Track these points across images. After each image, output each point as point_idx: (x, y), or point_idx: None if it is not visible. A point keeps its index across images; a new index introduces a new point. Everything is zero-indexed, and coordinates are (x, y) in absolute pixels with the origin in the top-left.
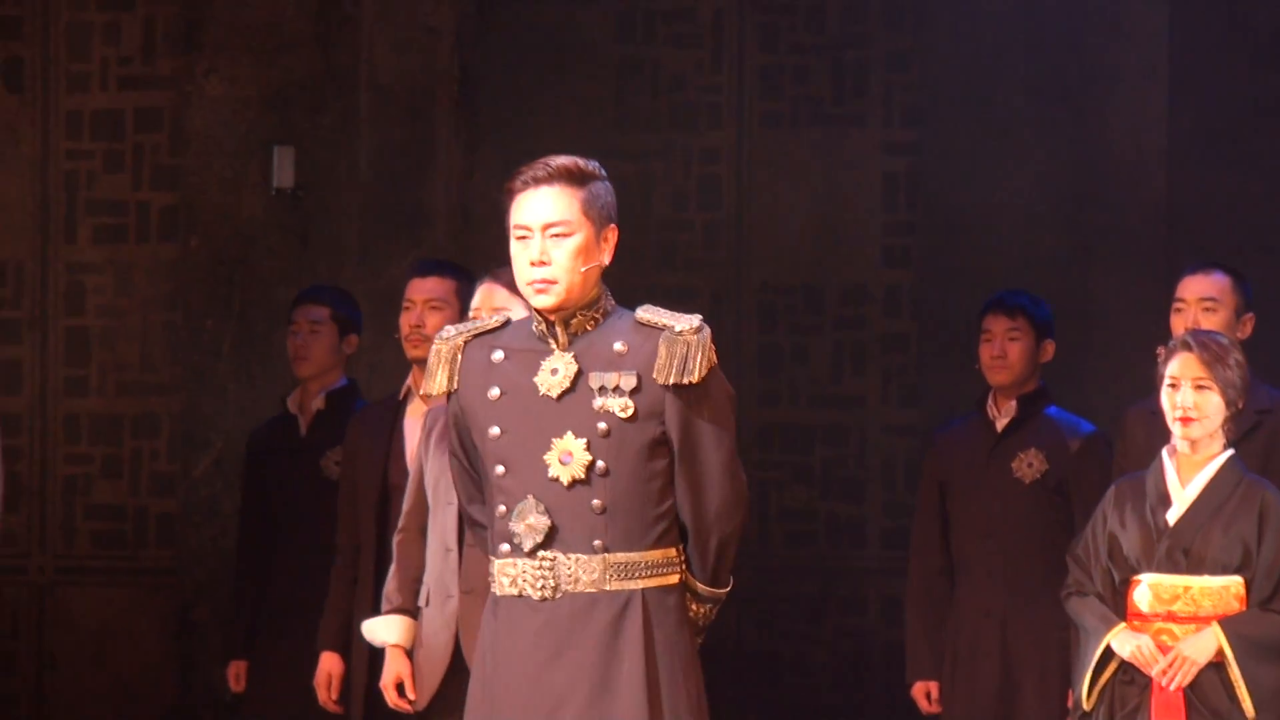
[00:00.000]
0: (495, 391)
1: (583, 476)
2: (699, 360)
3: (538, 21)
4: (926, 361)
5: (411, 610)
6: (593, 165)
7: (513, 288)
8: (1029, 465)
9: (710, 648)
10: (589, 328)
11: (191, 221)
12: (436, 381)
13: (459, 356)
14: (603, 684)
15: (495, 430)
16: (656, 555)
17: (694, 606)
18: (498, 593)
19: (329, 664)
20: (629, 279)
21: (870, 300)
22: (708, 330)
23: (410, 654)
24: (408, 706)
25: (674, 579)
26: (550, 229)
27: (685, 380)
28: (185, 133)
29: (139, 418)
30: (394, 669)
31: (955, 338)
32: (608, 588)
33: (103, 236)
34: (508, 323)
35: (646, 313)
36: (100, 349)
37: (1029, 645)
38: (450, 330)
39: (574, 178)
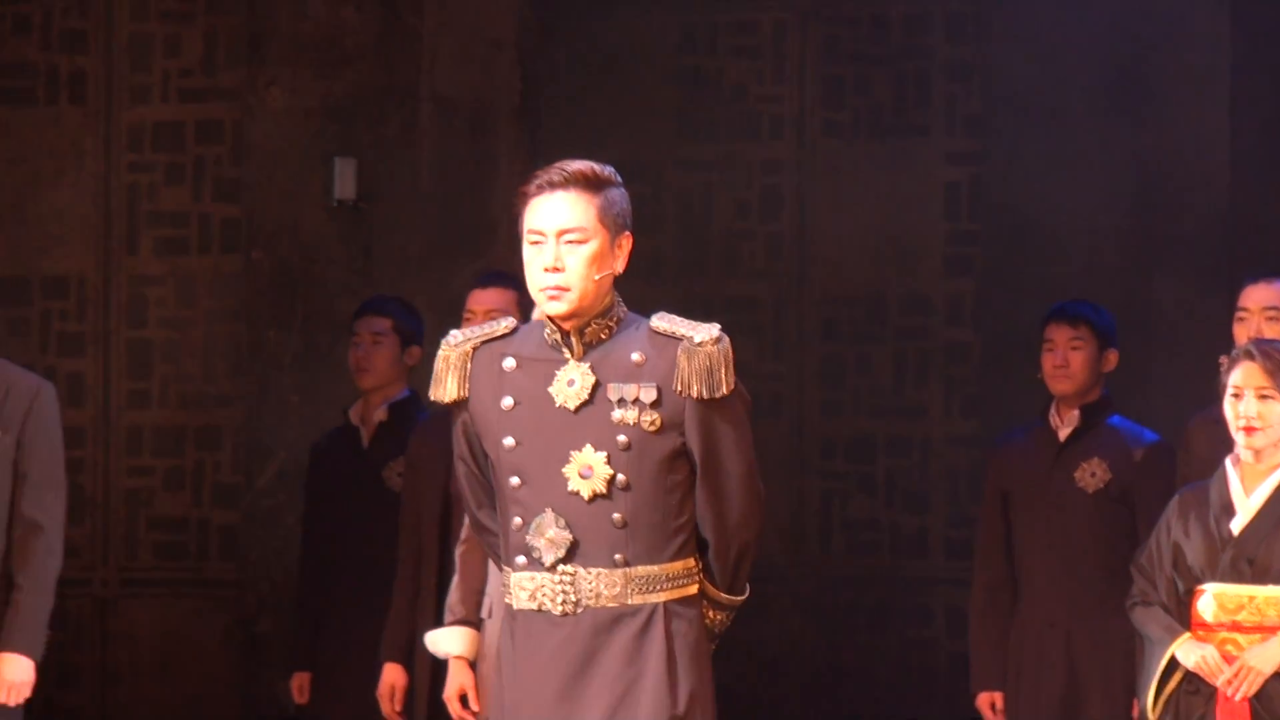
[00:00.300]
0: (509, 401)
1: (604, 490)
2: (723, 374)
3: (600, 33)
4: (989, 371)
5: (474, 622)
6: (608, 171)
7: None
8: (1092, 475)
9: (775, 658)
10: (603, 337)
11: (253, 233)
12: (446, 388)
13: (468, 364)
14: (626, 698)
15: (510, 441)
16: (677, 567)
17: (711, 614)
18: (515, 606)
19: (392, 675)
20: (692, 289)
21: (933, 310)
22: (727, 340)
23: (473, 665)
24: (471, 718)
25: (693, 589)
26: (565, 235)
27: (715, 395)
28: (247, 145)
29: (201, 430)
30: (457, 680)
31: (1018, 347)
32: (630, 602)
33: (165, 249)
34: (516, 329)
35: (662, 321)
36: (163, 361)
37: (1093, 656)
38: (458, 336)
39: (590, 183)
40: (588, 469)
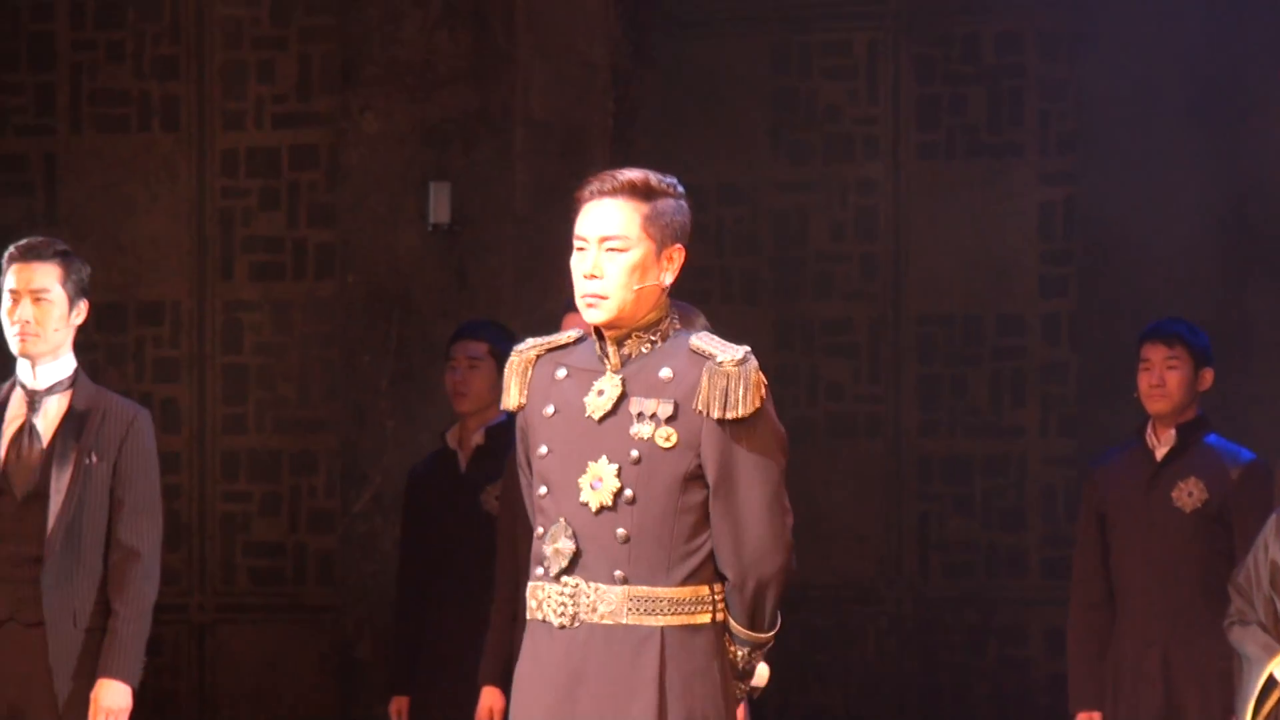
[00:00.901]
0: (550, 409)
1: (609, 503)
2: (742, 394)
3: (693, 55)
4: (1085, 391)
5: None
6: (668, 182)
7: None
8: (1189, 494)
9: (871, 679)
10: (644, 350)
11: (348, 258)
12: (510, 395)
13: (530, 371)
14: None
15: (544, 449)
16: (683, 593)
17: (731, 649)
18: (528, 616)
19: (490, 699)
20: (788, 311)
21: (1028, 330)
22: (753, 362)
23: None
24: None
25: (703, 618)
26: (606, 242)
27: (729, 415)
28: (341, 169)
29: (297, 454)
30: (486, 703)
31: (1114, 367)
32: (625, 621)
33: (259, 274)
34: (581, 339)
35: (700, 340)
36: (258, 386)
37: (1191, 675)
38: (528, 342)
39: (640, 192)
40: (598, 480)
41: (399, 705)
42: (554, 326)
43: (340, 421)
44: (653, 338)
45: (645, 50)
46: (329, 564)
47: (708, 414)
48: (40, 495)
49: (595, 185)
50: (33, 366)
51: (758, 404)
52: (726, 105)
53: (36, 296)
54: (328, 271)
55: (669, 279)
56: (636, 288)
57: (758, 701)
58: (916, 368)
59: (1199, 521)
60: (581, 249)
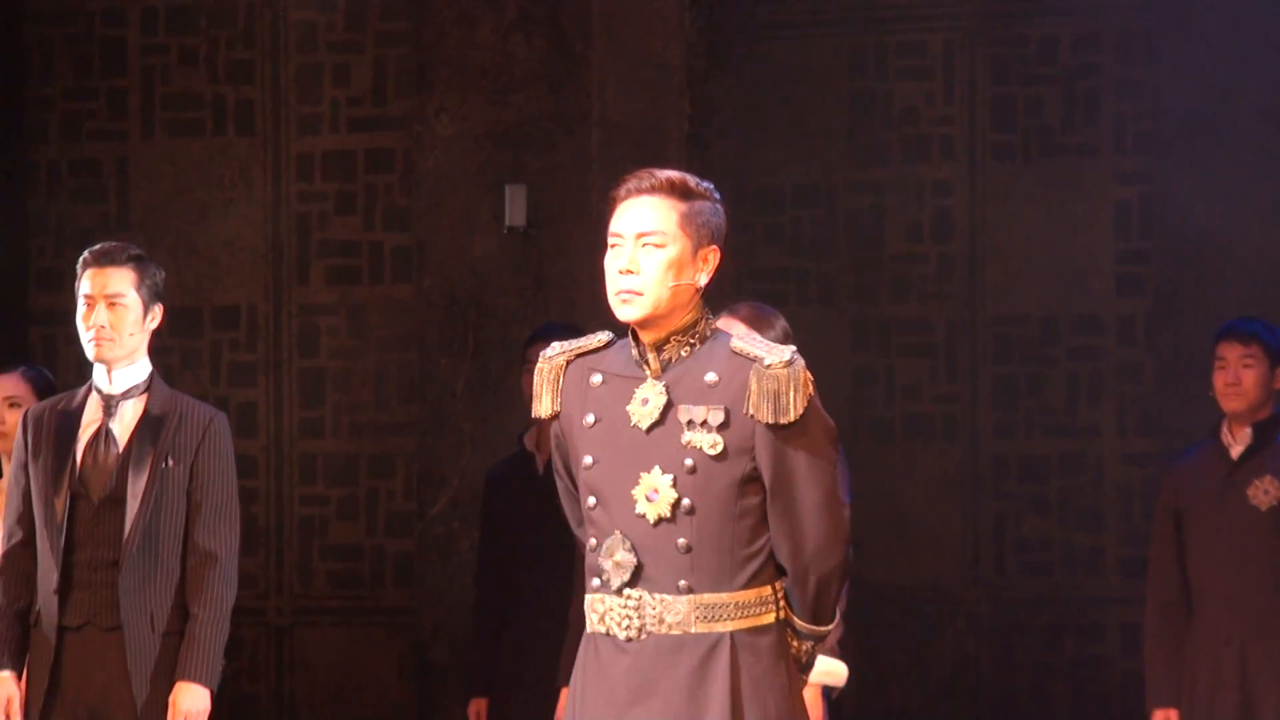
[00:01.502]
0: (590, 418)
1: (668, 515)
2: (793, 397)
3: (768, 56)
4: (1162, 390)
5: None
6: (705, 186)
7: (751, 322)
8: (1265, 492)
9: (949, 679)
10: (683, 354)
11: (424, 261)
12: (543, 405)
13: (561, 378)
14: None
15: (589, 459)
16: (749, 595)
17: (795, 643)
18: (588, 629)
19: None
20: (864, 312)
21: (1104, 330)
22: (800, 362)
23: None
24: None
25: (768, 618)
26: (643, 238)
27: (781, 420)
28: (417, 173)
29: (374, 458)
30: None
31: (1190, 365)
32: (693, 630)
33: (335, 277)
34: (611, 342)
35: (742, 342)
36: (335, 390)
37: (1268, 672)
38: (555, 348)
39: (678, 191)
40: (654, 492)
41: (478, 707)
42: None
43: (417, 425)
44: (691, 341)
45: (720, 51)
46: (406, 567)
47: (759, 418)
48: (117, 500)
49: (633, 183)
50: (108, 371)
51: (806, 404)
52: (802, 106)
53: (111, 301)
54: (404, 275)
55: (704, 279)
56: (672, 285)
57: (837, 701)
58: (993, 368)
59: (1275, 519)
60: (616, 245)
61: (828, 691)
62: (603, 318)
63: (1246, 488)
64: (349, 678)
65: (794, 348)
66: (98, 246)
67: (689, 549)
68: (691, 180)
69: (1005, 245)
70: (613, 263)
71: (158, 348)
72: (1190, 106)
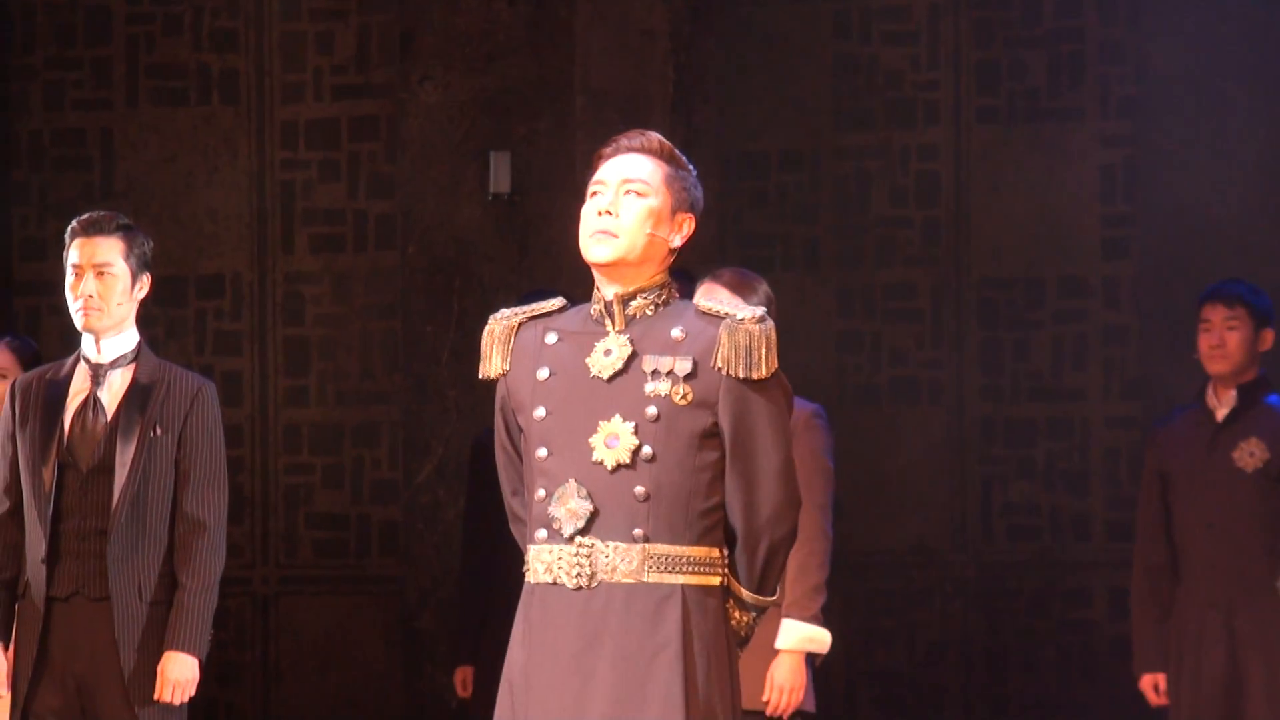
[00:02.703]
0: (545, 373)
1: (628, 461)
2: (764, 354)
3: (752, 22)
4: (1148, 353)
5: None
6: (687, 160)
7: (735, 287)
8: (1250, 454)
9: (936, 643)
10: (648, 313)
11: (409, 229)
12: (491, 364)
13: (512, 338)
14: (637, 679)
15: (541, 411)
16: (699, 552)
17: (736, 614)
18: (531, 580)
19: None
20: (849, 276)
21: (1090, 293)
22: (770, 322)
23: None
24: None
25: (715, 580)
26: (628, 184)
27: (752, 375)
28: (401, 140)
29: (359, 426)
30: None
31: (1176, 328)
32: (646, 579)
33: (320, 246)
34: (566, 307)
35: (709, 301)
36: (320, 358)
37: (1254, 635)
38: (505, 312)
39: (665, 154)
40: (614, 438)
41: (464, 675)
42: None
43: (402, 393)
44: (658, 301)
45: (705, 17)
46: (392, 535)
47: (727, 371)
48: (105, 469)
49: (623, 141)
50: (96, 341)
51: (775, 364)
52: (787, 71)
53: (100, 271)
54: (388, 243)
55: (677, 241)
56: (649, 232)
57: (822, 666)
58: (979, 332)
59: (1261, 481)
60: (598, 192)
61: (811, 658)
62: (589, 285)
63: (1232, 450)
64: (335, 646)
65: (764, 308)
66: (86, 216)
67: (647, 497)
68: (676, 150)
69: (990, 209)
70: (592, 206)
71: (143, 317)
72: (1175, 69)
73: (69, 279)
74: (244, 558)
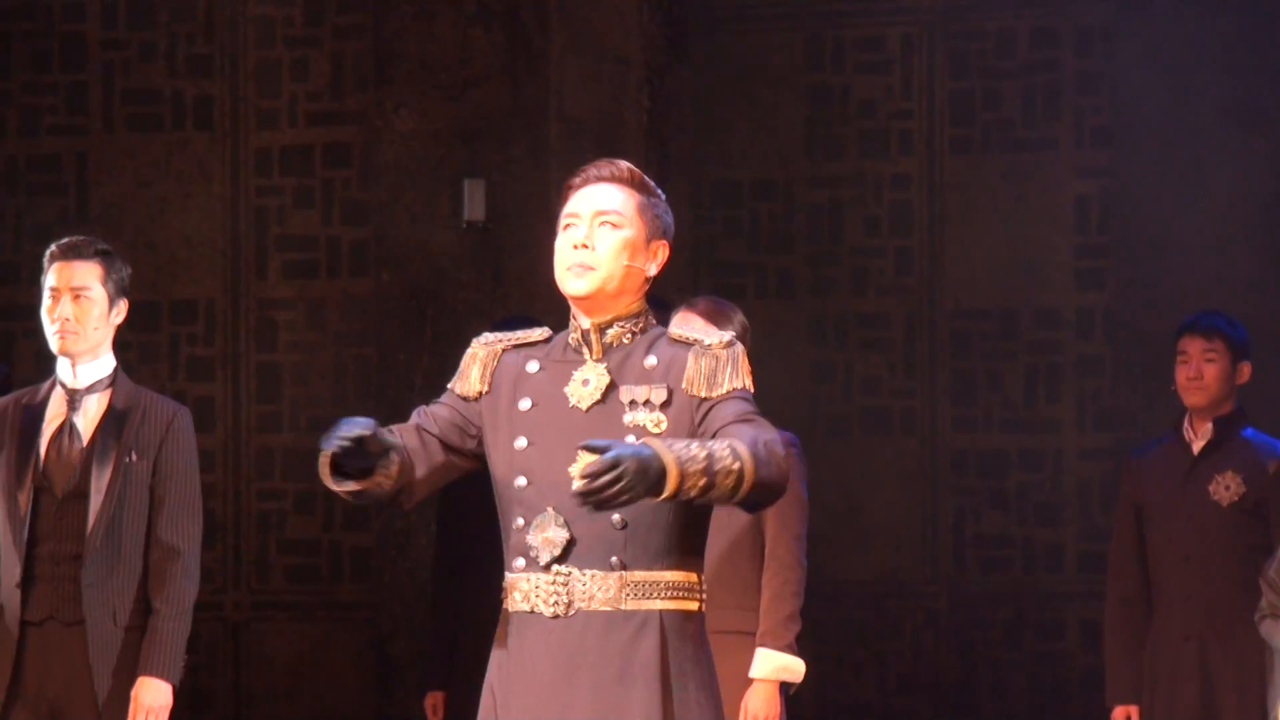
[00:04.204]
0: (527, 403)
1: None
2: (728, 373)
3: (727, 50)
4: (1121, 384)
5: None
6: (657, 187)
7: (710, 316)
8: (1226, 488)
9: (908, 673)
10: (625, 341)
11: (382, 256)
12: (469, 382)
13: (495, 362)
14: (615, 707)
15: (523, 442)
16: (678, 577)
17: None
18: (509, 608)
19: None
20: (822, 305)
21: (1064, 324)
22: (740, 347)
23: None
24: None
25: (693, 605)
26: (601, 216)
27: (714, 394)
28: (375, 167)
29: None
30: None
31: (1150, 360)
32: (624, 607)
33: (294, 272)
34: (551, 338)
35: (679, 329)
36: (292, 384)
37: (1229, 668)
38: (490, 337)
39: (636, 182)
40: None
41: (434, 700)
42: None
43: (375, 419)
44: (635, 329)
45: (679, 46)
46: (364, 561)
47: (692, 393)
48: (80, 494)
49: (592, 171)
50: (72, 365)
51: (741, 383)
52: (761, 101)
53: (77, 294)
54: (362, 270)
55: (653, 270)
56: (626, 263)
57: (794, 696)
58: (951, 362)
59: (1236, 515)
60: (572, 225)
61: (785, 688)
62: (563, 312)
63: (1208, 483)
64: (307, 672)
65: (733, 333)
66: (65, 240)
67: (624, 525)
68: (647, 178)
69: (964, 239)
70: (566, 239)
71: (116, 342)
72: (1149, 101)
73: (46, 302)
74: (215, 583)
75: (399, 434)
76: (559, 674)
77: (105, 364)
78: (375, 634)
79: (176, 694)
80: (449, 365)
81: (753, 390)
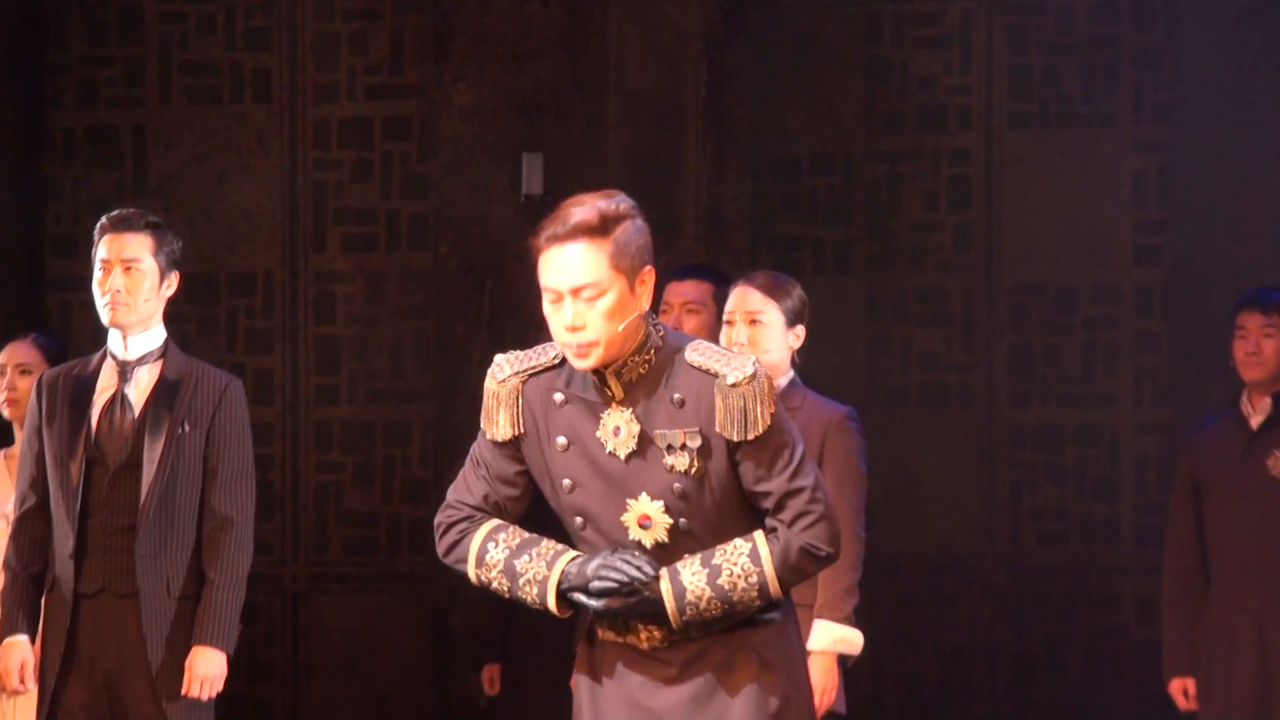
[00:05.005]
0: (562, 441)
1: (666, 539)
2: (759, 412)
3: (786, 24)
4: (1179, 360)
5: None
6: (618, 206)
7: (768, 290)
8: None
9: (964, 646)
10: (642, 372)
11: (441, 229)
12: (499, 427)
13: (519, 398)
14: (713, 703)
15: (568, 483)
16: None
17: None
18: (600, 638)
19: None
20: (881, 280)
21: (1122, 299)
22: (763, 374)
23: None
24: None
25: (777, 614)
26: (580, 291)
27: (750, 436)
28: (434, 141)
29: (391, 425)
30: None
31: (1208, 335)
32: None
33: (352, 245)
34: (562, 359)
35: (697, 355)
36: (350, 358)
37: None
38: (505, 369)
39: (597, 230)
40: (646, 519)
41: (491, 673)
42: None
43: (433, 392)
44: (647, 357)
45: (738, 19)
46: (422, 534)
47: (726, 435)
48: (133, 465)
49: (550, 231)
50: (124, 337)
51: (771, 416)
52: (820, 75)
53: (128, 266)
54: (421, 243)
55: (646, 302)
56: (620, 327)
57: (852, 668)
58: (1009, 337)
59: None
60: (555, 301)
61: (843, 660)
62: None
63: (1266, 458)
64: (365, 644)
65: (754, 357)
66: (116, 213)
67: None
68: (606, 207)
69: (1022, 214)
70: (556, 319)
71: (174, 314)
72: (1208, 76)
73: (97, 274)
74: (274, 555)
75: (502, 504)
76: (657, 685)
77: (156, 336)
78: (433, 606)
79: (232, 665)
80: (506, 338)
81: (778, 406)
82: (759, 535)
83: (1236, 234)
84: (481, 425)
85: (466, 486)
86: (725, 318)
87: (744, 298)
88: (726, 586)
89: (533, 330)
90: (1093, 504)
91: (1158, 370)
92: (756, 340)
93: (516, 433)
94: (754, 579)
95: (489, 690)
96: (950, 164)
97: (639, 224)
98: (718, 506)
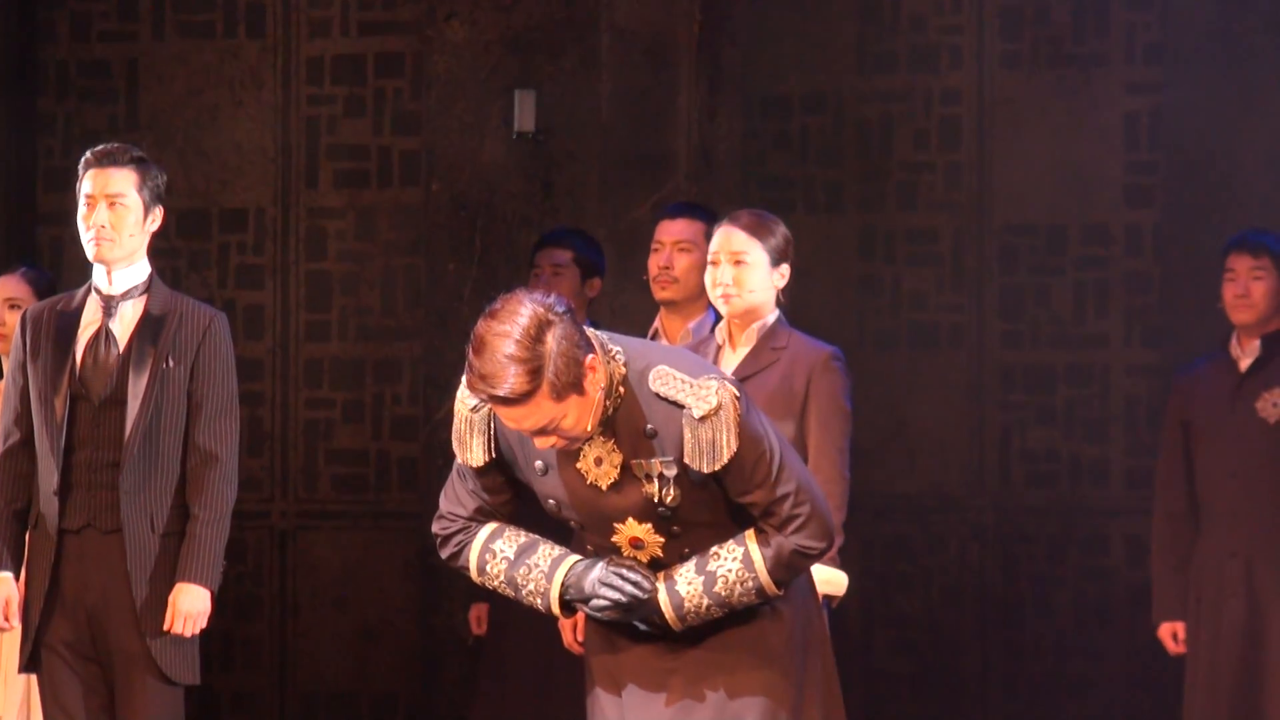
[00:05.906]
0: (540, 464)
1: (660, 553)
2: (726, 439)
3: None
4: (1169, 301)
5: None
6: (532, 348)
7: (752, 229)
8: (1274, 405)
9: (953, 587)
10: (616, 406)
11: (433, 166)
12: (473, 453)
13: (490, 424)
14: (736, 691)
15: (552, 502)
16: None
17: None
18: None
19: None
20: (871, 220)
21: (1113, 240)
22: (729, 401)
23: None
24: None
25: (781, 591)
26: (542, 431)
27: (717, 466)
28: (426, 77)
29: (381, 362)
30: None
31: (1199, 277)
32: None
33: (344, 181)
34: None
35: (660, 385)
36: (341, 294)
37: (1274, 584)
38: (473, 400)
39: (529, 392)
40: (637, 540)
41: (479, 612)
42: (637, 235)
43: (423, 329)
44: (617, 394)
45: None
46: (411, 471)
47: (696, 467)
48: (117, 400)
49: (483, 390)
50: (108, 272)
51: (738, 437)
52: (811, 14)
53: (112, 201)
54: (412, 179)
55: (603, 379)
56: (589, 425)
57: (838, 610)
58: (1000, 277)
59: None
60: (537, 459)
61: (828, 601)
62: (610, 223)
63: (1255, 400)
64: (353, 581)
65: (715, 383)
66: (100, 148)
67: (690, 556)
68: (523, 365)
69: (1013, 154)
70: (531, 456)
71: (165, 249)
72: (1201, 17)
73: (81, 209)
74: (263, 492)
75: (495, 510)
76: (667, 653)
77: (140, 270)
78: (421, 544)
79: (219, 602)
80: (498, 275)
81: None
82: (750, 539)
83: (1227, 176)
84: (456, 453)
85: (456, 497)
86: (710, 258)
87: (728, 237)
88: (723, 593)
89: (523, 268)
90: (1083, 445)
91: (1148, 311)
92: (741, 280)
93: (490, 458)
94: (750, 584)
95: (476, 630)
96: (942, 104)
97: (559, 335)
98: (706, 518)
